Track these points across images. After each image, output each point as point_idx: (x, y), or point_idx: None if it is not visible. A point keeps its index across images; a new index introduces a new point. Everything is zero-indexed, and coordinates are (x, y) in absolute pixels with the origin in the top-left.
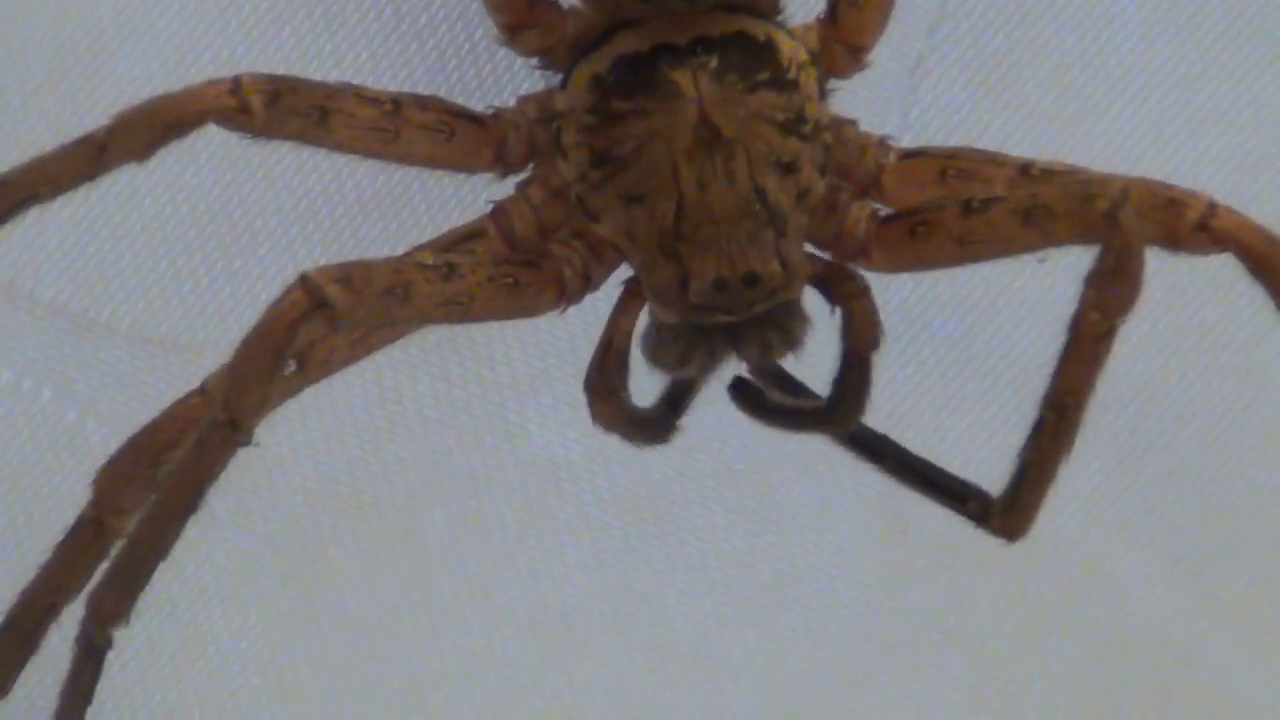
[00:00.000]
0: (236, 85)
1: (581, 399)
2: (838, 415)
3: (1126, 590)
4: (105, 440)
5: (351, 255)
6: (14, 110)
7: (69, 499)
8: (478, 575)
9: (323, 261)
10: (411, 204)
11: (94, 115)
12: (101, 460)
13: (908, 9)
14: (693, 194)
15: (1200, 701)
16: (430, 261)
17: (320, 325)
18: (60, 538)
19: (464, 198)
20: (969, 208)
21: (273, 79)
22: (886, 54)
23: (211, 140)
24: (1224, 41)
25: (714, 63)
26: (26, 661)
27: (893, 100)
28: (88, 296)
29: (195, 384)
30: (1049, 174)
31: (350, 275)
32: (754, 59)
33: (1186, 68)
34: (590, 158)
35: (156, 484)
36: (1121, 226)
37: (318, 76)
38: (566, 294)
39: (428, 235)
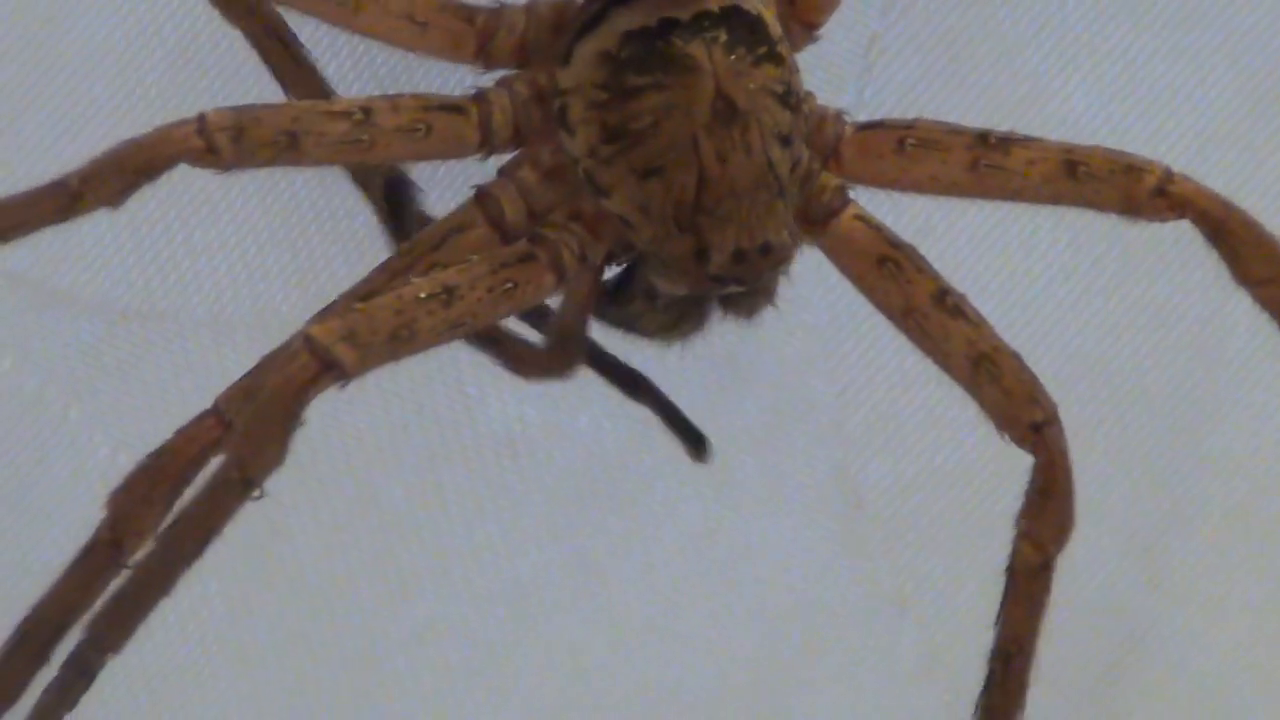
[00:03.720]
0: (202, 125)
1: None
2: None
3: (1078, 565)
4: (65, 409)
5: (320, 223)
6: None
7: (30, 469)
8: (436, 547)
9: (282, 235)
10: None
11: (61, 77)
12: (64, 431)
13: None
14: (714, 166)
15: (1151, 675)
16: (426, 293)
17: (331, 384)
18: (73, 554)
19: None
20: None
21: (236, 113)
22: (841, 32)
23: (169, 113)
24: (1175, 22)
25: (723, 36)
26: (35, 674)
27: (847, 78)
28: (49, 266)
29: (156, 353)
30: (1006, 142)
31: (354, 329)
32: (753, 33)
33: (1138, 48)
34: (602, 133)
35: (171, 510)
36: (1047, 443)
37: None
38: (565, 277)
39: None
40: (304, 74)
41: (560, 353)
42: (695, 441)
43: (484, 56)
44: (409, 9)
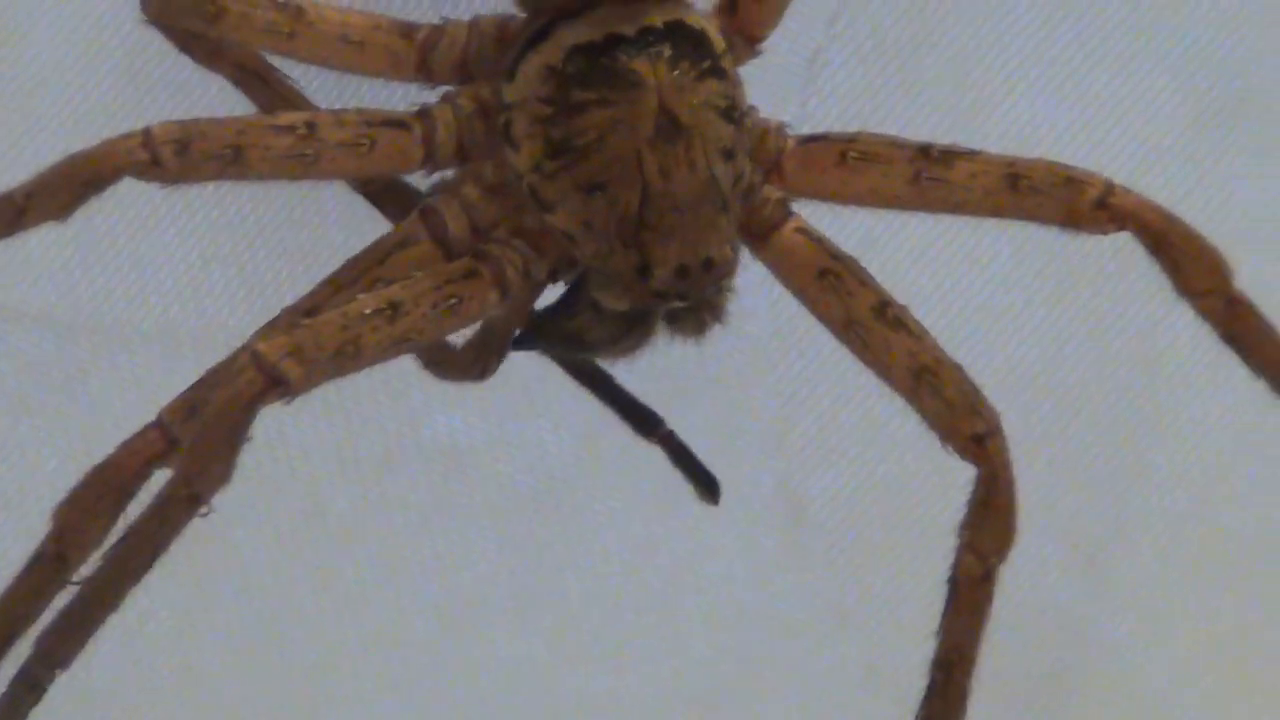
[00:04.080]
0: (147, 138)
1: (481, 386)
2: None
3: (1022, 574)
4: (13, 423)
5: (265, 236)
6: None
7: None
8: (381, 558)
9: (228, 248)
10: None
11: (7, 95)
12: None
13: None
14: (657, 182)
15: (1094, 684)
16: (371, 309)
17: (277, 399)
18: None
19: None
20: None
21: (182, 126)
22: (785, 44)
23: (115, 126)
24: (1118, 34)
25: (668, 51)
26: None
27: (791, 91)
28: None
29: (102, 367)
30: (948, 155)
31: (300, 345)
32: (697, 48)
33: (1081, 59)
34: (546, 148)
35: (117, 521)
36: (989, 454)
37: None
38: (509, 293)
39: (341, 203)
40: (291, 105)
41: (480, 355)
42: (707, 484)
43: (425, 71)
44: (342, 30)
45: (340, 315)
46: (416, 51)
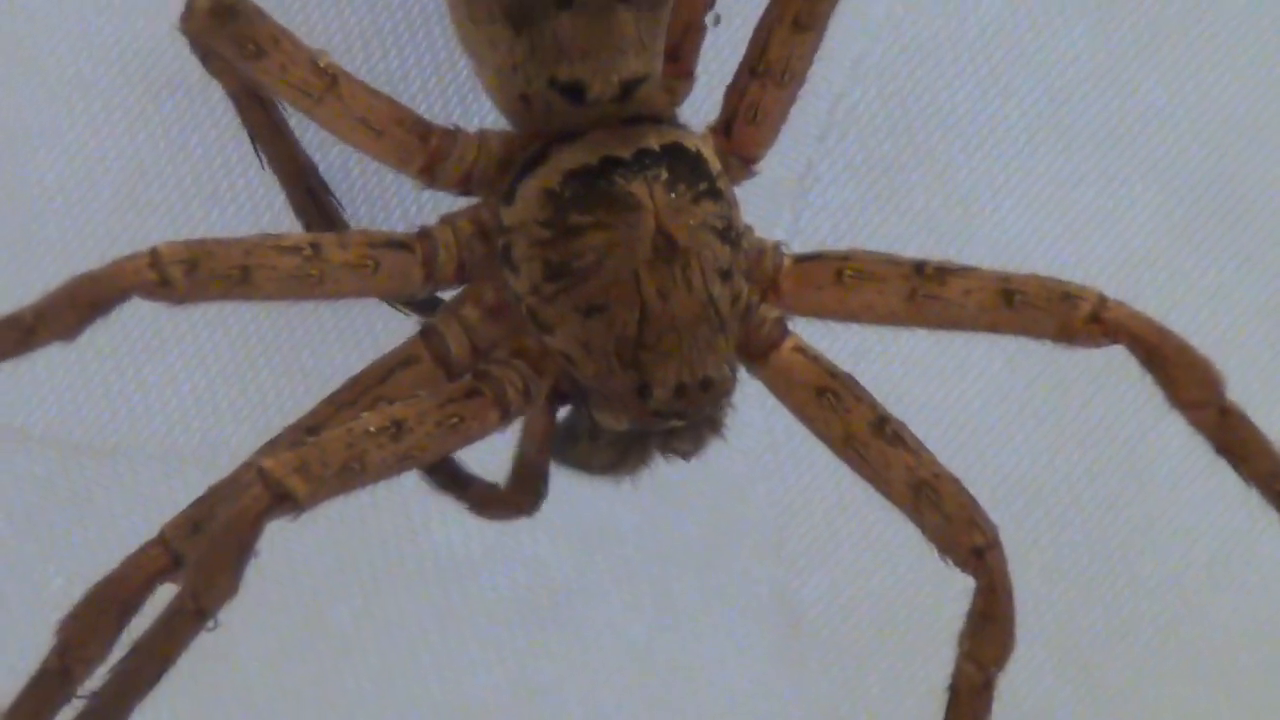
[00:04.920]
0: (155, 258)
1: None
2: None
3: (1016, 681)
4: (19, 543)
5: (268, 357)
6: None
7: None
8: (381, 668)
9: (231, 369)
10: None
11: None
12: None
13: (797, 117)
14: (655, 303)
15: None
16: (376, 426)
17: (283, 515)
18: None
19: None
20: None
21: (190, 246)
22: (776, 161)
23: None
24: (1103, 149)
25: (664, 174)
26: None
27: (782, 205)
28: (1, 402)
29: (108, 487)
30: (943, 272)
31: (306, 462)
32: (693, 170)
33: (1067, 173)
34: (545, 271)
35: (121, 637)
36: (989, 566)
37: None
38: (510, 413)
39: (341, 321)
40: (279, 138)
41: (522, 491)
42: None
43: (429, 175)
44: (366, 114)
45: (345, 433)
46: (426, 156)
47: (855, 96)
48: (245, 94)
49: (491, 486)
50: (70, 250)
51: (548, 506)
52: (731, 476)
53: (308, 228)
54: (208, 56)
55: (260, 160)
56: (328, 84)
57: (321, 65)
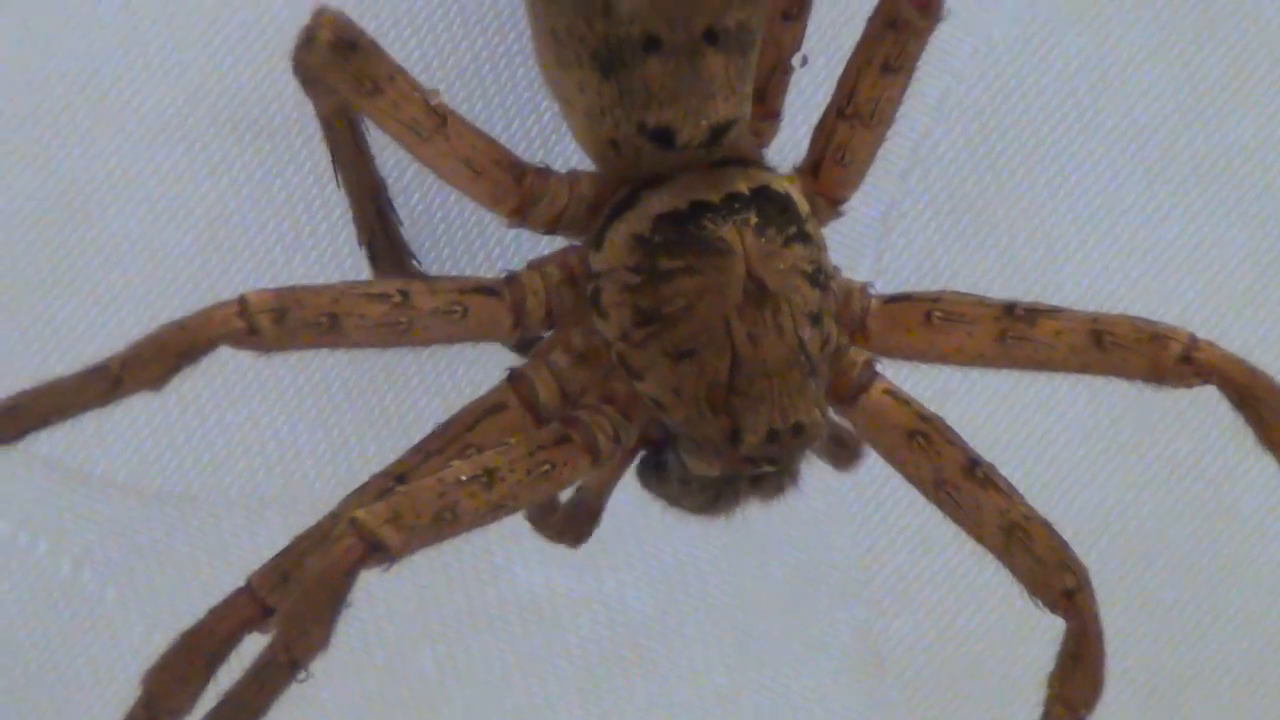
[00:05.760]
0: (244, 307)
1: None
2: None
3: None
4: (101, 591)
5: (350, 401)
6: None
7: (66, 651)
8: (465, 715)
9: (314, 414)
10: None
11: (87, 268)
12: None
13: (880, 156)
14: (746, 348)
15: None
16: (468, 475)
17: (376, 565)
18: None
19: None
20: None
21: (278, 294)
22: (859, 199)
23: (202, 294)
24: (1190, 183)
25: (754, 218)
26: None
27: (866, 245)
28: (83, 450)
29: (190, 534)
30: (1033, 313)
31: (399, 511)
32: (782, 213)
33: (1153, 210)
34: (634, 316)
35: (207, 687)
36: (1079, 608)
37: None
38: (600, 459)
39: (426, 367)
40: (360, 157)
41: (572, 526)
42: None
43: (519, 216)
44: (470, 154)
45: (436, 482)
46: (519, 197)
47: (939, 135)
48: (337, 116)
49: (551, 504)
50: (153, 298)
51: (628, 546)
52: (815, 517)
53: (369, 243)
54: (310, 81)
55: (336, 179)
56: (437, 124)
57: (433, 105)
